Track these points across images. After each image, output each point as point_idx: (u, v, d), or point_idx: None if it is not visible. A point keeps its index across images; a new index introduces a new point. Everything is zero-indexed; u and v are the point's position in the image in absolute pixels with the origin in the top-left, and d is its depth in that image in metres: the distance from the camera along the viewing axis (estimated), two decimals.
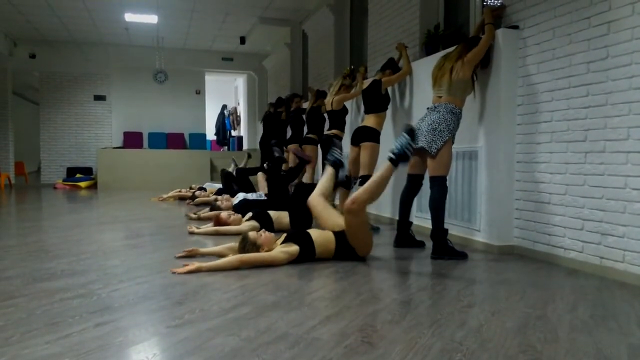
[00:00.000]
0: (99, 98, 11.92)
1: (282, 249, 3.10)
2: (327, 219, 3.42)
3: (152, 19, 9.58)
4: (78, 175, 11.19)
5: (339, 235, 3.24)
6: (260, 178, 6.51)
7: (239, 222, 4.42)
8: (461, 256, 3.45)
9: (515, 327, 2.03)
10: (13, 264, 3.14)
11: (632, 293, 2.62)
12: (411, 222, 3.88)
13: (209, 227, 4.44)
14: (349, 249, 3.24)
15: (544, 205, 3.46)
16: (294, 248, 3.11)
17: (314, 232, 3.27)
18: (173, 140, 12.54)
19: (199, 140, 12.83)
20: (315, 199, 3.59)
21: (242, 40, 10.88)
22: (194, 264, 2.92)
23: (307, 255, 3.15)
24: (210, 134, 14.01)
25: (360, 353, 1.73)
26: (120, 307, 2.22)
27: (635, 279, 2.79)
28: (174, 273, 2.84)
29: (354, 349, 1.76)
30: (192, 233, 4.31)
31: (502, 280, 2.91)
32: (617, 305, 2.40)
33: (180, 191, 8.01)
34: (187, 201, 7.12)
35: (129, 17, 9.46)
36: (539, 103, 3.48)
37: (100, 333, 1.89)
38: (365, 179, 4.54)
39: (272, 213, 4.44)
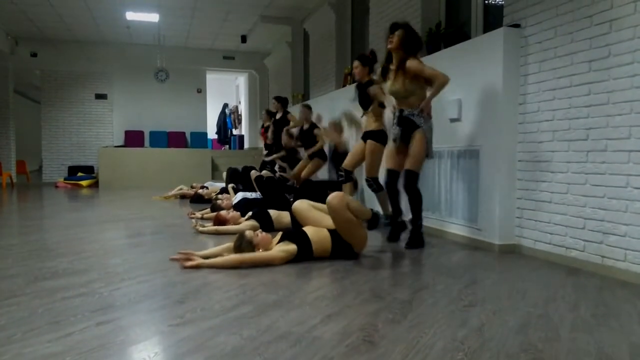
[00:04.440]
0: (101, 97, 11.94)
1: (281, 248, 3.10)
2: (316, 221, 3.29)
3: (153, 17, 9.59)
4: (79, 174, 11.21)
5: (335, 232, 3.23)
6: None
7: (237, 219, 4.42)
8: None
9: (517, 326, 2.03)
10: (15, 263, 3.15)
11: (634, 292, 2.61)
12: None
13: (210, 226, 4.45)
14: (345, 246, 3.24)
15: (545, 204, 3.45)
16: (292, 247, 3.11)
17: (310, 230, 3.24)
18: (174, 139, 12.55)
19: (200, 139, 12.83)
20: (301, 204, 3.39)
21: (243, 39, 10.88)
22: (196, 260, 2.97)
23: (305, 254, 3.15)
24: (212, 133, 14.02)
25: (361, 352, 1.73)
26: (121, 306, 2.23)
27: (636, 278, 2.78)
28: (182, 266, 2.93)
29: (355, 348, 1.76)
30: (197, 231, 4.32)
31: (503, 279, 2.90)
32: (619, 305, 2.39)
33: (181, 189, 8.05)
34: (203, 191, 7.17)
35: (130, 15, 9.47)
36: (541, 102, 3.47)
37: (101, 332, 1.89)
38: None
39: (272, 212, 4.43)
